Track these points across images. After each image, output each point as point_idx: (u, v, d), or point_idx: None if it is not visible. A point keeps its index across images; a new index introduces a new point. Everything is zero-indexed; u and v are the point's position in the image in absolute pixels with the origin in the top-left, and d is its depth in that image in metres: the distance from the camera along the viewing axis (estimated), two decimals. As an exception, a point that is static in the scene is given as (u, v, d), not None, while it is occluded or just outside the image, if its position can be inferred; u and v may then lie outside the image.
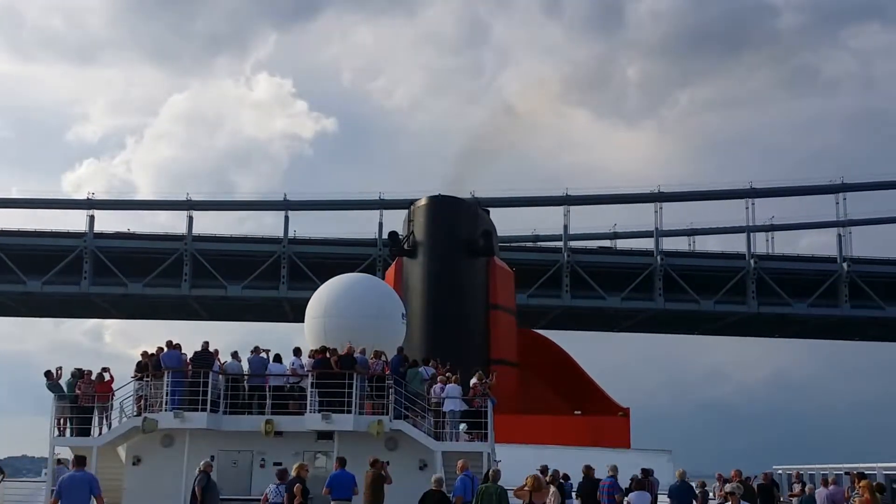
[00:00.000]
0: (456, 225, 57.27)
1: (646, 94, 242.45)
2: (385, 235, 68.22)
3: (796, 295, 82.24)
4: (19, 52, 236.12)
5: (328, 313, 31.56)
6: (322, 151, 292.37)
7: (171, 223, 75.08)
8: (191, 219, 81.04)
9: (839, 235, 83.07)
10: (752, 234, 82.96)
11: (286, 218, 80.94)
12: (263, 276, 79.28)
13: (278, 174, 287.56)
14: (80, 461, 19.67)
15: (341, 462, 23.79)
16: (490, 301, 56.34)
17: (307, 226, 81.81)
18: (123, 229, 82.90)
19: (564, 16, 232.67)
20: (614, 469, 27.72)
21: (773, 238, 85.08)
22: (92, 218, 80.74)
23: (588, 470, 28.33)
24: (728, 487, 20.61)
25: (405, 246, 56.79)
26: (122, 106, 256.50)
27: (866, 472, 30.17)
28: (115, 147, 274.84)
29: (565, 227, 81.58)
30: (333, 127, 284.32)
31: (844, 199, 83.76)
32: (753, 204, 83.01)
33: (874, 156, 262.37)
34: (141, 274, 79.85)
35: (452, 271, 55.76)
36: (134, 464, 29.41)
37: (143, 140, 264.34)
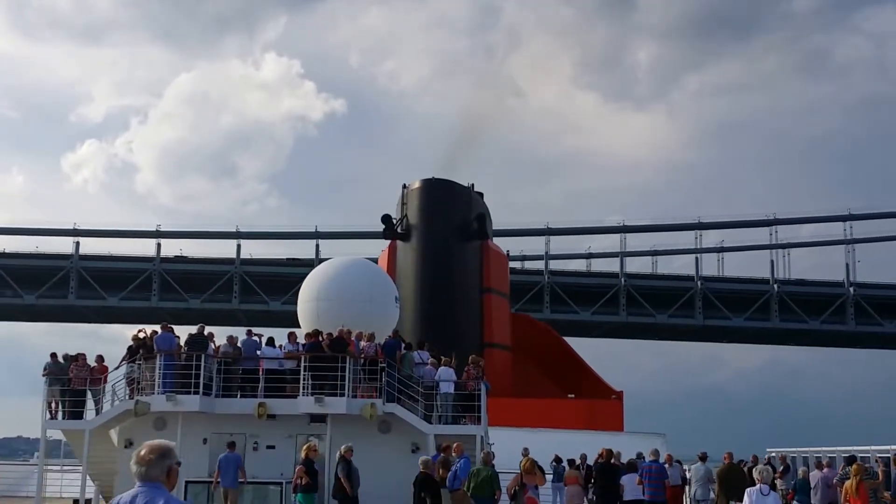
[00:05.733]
0: (450, 208, 46.75)
1: (655, 77, 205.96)
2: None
3: (736, 310, 75.86)
4: (24, 33, 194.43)
5: (321, 297, 24.28)
6: (327, 134, 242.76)
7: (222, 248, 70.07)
8: (239, 246, 75.70)
9: (772, 261, 76.70)
10: (700, 257, 77.33)
11: (317, 246, 75.03)
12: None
13: (282, 157, 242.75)
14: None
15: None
16: (484, 284, 46.10)
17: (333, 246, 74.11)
18: (177, 251, 77.16)
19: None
20: (656, 453, 20.50)
21: (723, 258, 78.59)
22: (159, 245, 75.37)
23: (608, 454, 21.02)
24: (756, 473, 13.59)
25: (398, 229, 46.32)
26: (127, 87, 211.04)
27: (857, 455, 22.84)
28: (120, 128, 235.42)
29: (546, 253, 76.02)
30: (340, 109, 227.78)
31: (776, 230, 77.54)
32: (701, 235, 77.07)
33: (881, 141, 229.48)
34: (199, 291, 74.62)
35: (446, 255, 45.52)
36: (126, 447, 22.17)
37: (147, 121, 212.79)
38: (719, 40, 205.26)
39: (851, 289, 75.73)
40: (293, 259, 76.01)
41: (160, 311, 76.20)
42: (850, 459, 21.11)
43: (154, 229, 76.79)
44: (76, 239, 74.97)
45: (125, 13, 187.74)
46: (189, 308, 75.55)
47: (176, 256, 76.17)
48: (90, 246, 75.74)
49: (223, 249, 77.25)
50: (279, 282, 74.40)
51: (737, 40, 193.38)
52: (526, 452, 22.41)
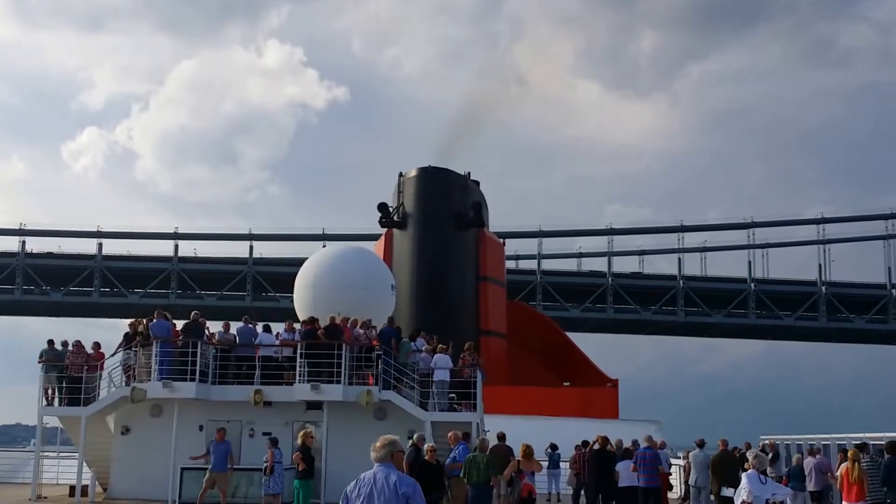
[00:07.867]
0: (446, 196, 43.68)
1: (658, 66, 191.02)
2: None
3: (716, 307, 74.26)
4: (26, 18, 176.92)
5: (317, 284, 22.38)
6: (329, 122, 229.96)
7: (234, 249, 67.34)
8: (251, 247, 73.88)
9: (749, 262, 75.00)
10: (683, 257, 75.47)
11: (324, 247, 72.93)
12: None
13: (284, 144, 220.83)
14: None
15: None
16: (480, 273, 43.24)
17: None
18: (191, 251, 74.84)
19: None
20: (650, 439, 18.55)
21: (705, 258, 76.59)
22: (177, 246, 73.63)
23: (604, 441, 19.11)
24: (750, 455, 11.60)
25: (395, 217, 43.15)
26: (129, 74, 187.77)
27: (862, 442, 20.93)
28: (121, 115, 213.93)
29: (539, 253, 73.82)
30: (342, 97, 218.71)
31: (753, 233, 75.66)
32: (683, 237, 75.27)
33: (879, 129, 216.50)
34: (214, 289, 73.61)
35: (442, 243, 42.50)
36: (123, 433, 20.37)
37: (149, 108, 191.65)
38: (723, 29, 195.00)
39: (824, 287, 74.23)
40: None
41: (177, 307, 74.56)
42: (861, 447, 19.30)
43: (172, 231, 75.01)
44: (99, 240, 73.27)
45: (129, 0, 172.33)
46: (204, 305, 73.76)
47: (194, 257, 74.51)
48: (109, 246, 73.97)
49: (234, 249, 75.25)
50: (289, 280, 72.67)
51: (740, 29, 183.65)
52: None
